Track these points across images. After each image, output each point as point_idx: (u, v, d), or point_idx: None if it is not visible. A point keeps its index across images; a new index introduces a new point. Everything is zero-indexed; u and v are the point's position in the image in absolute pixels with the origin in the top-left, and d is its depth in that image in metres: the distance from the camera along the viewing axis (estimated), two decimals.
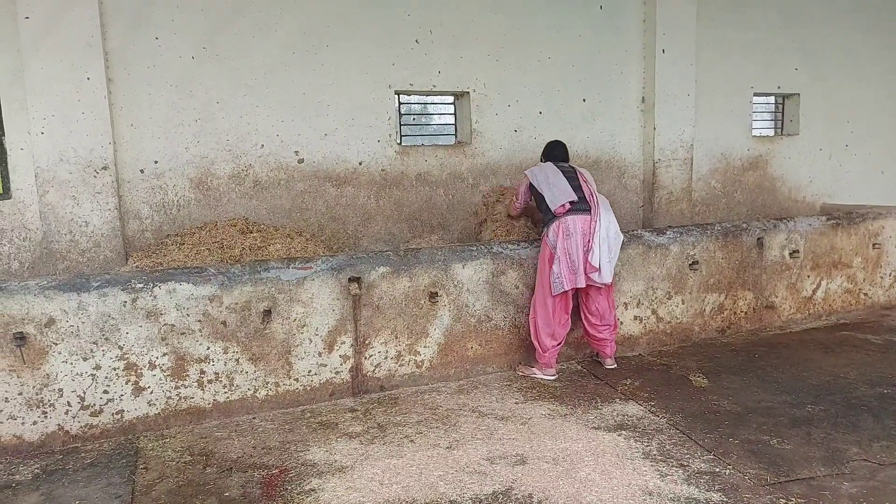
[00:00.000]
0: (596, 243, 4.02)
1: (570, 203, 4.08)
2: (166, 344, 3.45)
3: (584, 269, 4.03)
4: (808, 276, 5.35)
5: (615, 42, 5.85)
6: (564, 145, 4.61)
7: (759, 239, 5.08)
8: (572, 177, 4.25)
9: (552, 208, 4.10)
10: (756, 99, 6.65)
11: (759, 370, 4.23)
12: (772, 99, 6.90)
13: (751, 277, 5.09)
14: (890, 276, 5.77)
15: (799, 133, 6.81)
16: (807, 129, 6.84)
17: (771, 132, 6.98)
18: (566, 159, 4.53)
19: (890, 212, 5.75)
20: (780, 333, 5.09)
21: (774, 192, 6.78)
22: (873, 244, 5.62)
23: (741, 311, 5.09)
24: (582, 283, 4.04)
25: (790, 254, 5.23)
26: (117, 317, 3.35)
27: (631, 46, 5.92)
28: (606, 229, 4.08)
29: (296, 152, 4.87)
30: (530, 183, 4.34)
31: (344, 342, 3.84)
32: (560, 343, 4.18)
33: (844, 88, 6.93)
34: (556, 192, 4.14)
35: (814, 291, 5.41)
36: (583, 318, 4.29)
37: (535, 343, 4.17)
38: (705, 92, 6.23)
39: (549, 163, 4.44)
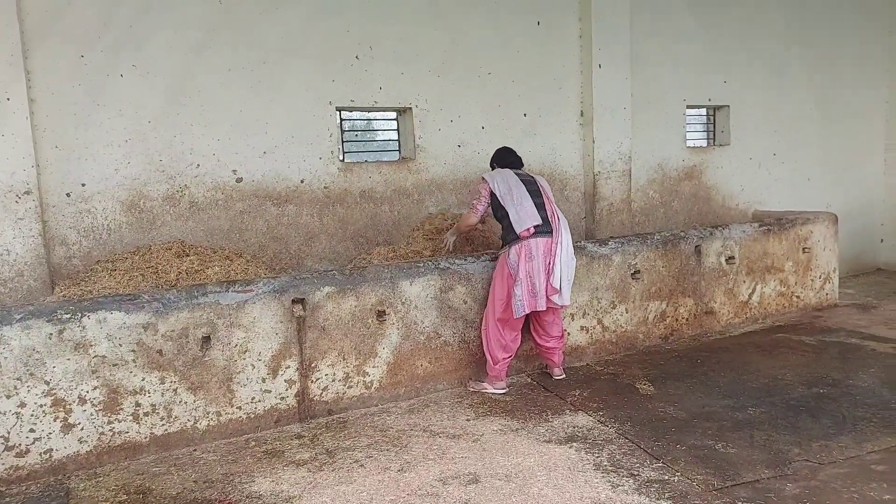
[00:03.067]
0: (557, 265, 3.99)
1: (535, 227, 3.99)
2: (97, 377, 3.27)
3: (546, 291, 3.99)
4: (744, 282, 5.54)
5: (554, 57, 5.96)
6: (515, 152, 4.54)
7: (696, 247, 5.23)
8: (535, 191, 4.14)
9: (517, 230, 3.99)
10: (689, 111, 6.88)
11: (702, 375, 4.33)
12: (703, 111, 7.16)
13: (690, 284, 5.23)
14: (820, 278, 6.03)
15: (730, 143, 7.08)
16: (737, 140, 7.11)
17: (704, 143, 7.23)
18: (521, 166, 4.45)
19: (818, 217, 6.03)
20: (720, 338, 5.24)
21: (709, 200, 7.01)
22: (803, 248, 5.87)
23: (682, 318, 5.22)
24: (543, 307, 4.01)
25: (726, 260, 5.40)
26: (43, 350, 3.15)
27: (569, 61, 6.04)
28: (567, 251, 4.06)
29: (234, 171, 4.74)
30: (491, 190, 4.17)
31: (289, 366, 3.73)
32: (511, 356, 4.17)
33: (771, 100, 7.26)
34: (522, 213, 4.01)
35: (750, 296, 5.59)
36: (532, 330, 4.29)
37: (487, 355, 4.14)
38: (641, 105, 6.40)
39: (507, 170, 4.30)
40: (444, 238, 4.69)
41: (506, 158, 4.49)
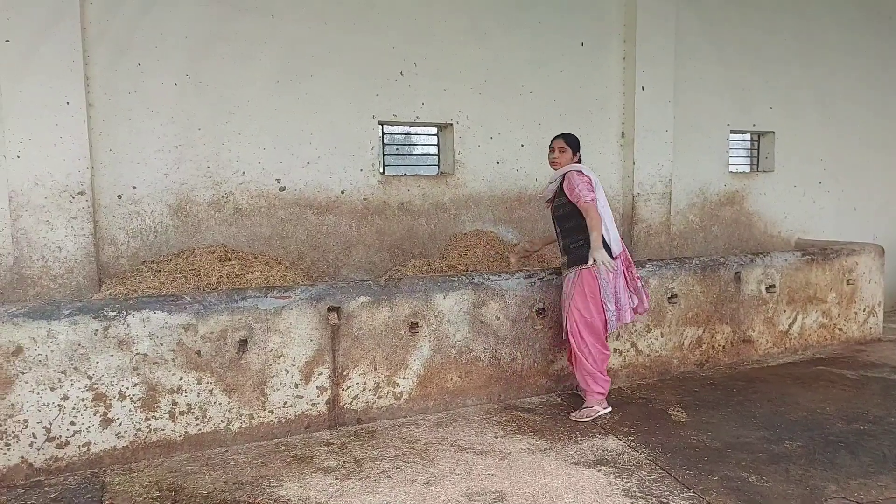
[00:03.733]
0: (640, 279, 4.09)
1: (621, 251, 4.05)
2: (138, 374, 3.37)
3: (629, 303, 4.03)
4: (785, 311, 5.41)
5: (596, 78, 5.97)
6: None
7: (736, 273, 5.14)
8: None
9: (613, 250, 3.95)
10: (732, 136, 6.79)
11: (738, 405, 4.24)
12: (747, 136, 7.06)
13: (728, 311, 5.13)
14: (864, 311, 5.85)
15: (774, 170, 6.96)
16: (781, 166, 6.99)
17: (747, 168, 7.12)
18: None
19: (864, 248, 5.86)
20: (757, 367, 5.12)
21: (751, 226, 6.89)
22: (847, 280, 5.71)
23: (719, 345, 5.12)
24: (629, 319, 4.07)
25: (767, 288, 5.29)
26: (88, 346, 3.27)
27: (611, 83, 6.04)
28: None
29: (277, 180, 4.85)
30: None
31: (321, 373, 3.78)
32: None
33: (816, 127, 7.12)
34: (615, 234, 4.00)
35: (790, 326, 5.46)
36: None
37: (597, 373, 4.00)
38: (683, 128, 6.35)
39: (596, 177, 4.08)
40: (599, 260, 3.87)
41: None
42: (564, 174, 4.02)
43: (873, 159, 7.50)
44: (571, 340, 4.04)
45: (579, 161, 4.14)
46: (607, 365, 4.32)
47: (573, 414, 4.03)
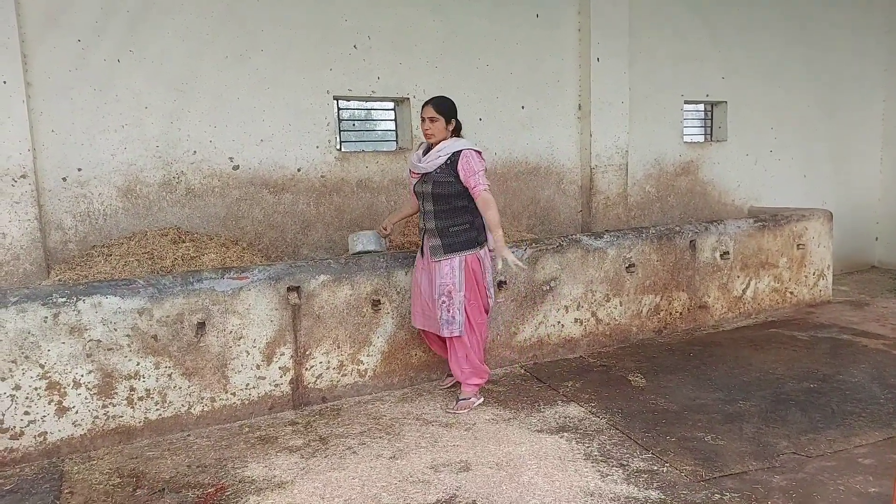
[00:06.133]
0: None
1: None
2: (92, 361, 3.28)
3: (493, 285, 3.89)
4: (738, 277, 5.56)
5: (552, 51, 5.96)
6: None
7: (691, 241, 5.25)
8: None
9: (488, 238, 3.75)
10: (686, 106, 6.88)
11: (694, 368, 4.36)
12: (701, 106, 7.16)
13: (685, 279, 5.25)
14: (814, 275, 6.06)
15: (727, 139, 7.09)
16: (734, 136, 7.12)
17: (701, 138, 7.24)
18: None
19: (813, 214, 6.05)
20: (713, 332, 5.27)
21: (705, 195, 7.03)
22: (798, 245, 5.89)
23: (676, 312, 5.24)
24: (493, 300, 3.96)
25: (721, 255, 5.42)
26: (38, 333, 3.17)
27: (567, 55, 6.04)
28: None
29: (230, 158, 4.73)
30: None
31: (283, 354, 3.75)
32: None
33: (768, 96, 7.26)
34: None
35: (744, 291, 5.62)
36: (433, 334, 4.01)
37: (481, 365, 3.80)
38: (639, 99, 6.40)
39: None
40: (511, 261, 3.57)
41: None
42: (459, 151, 3.59)
43: (823, 127, 7.70)
44: (465, 334, 3.69)
45: (457, 131, 3.71)
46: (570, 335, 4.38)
47: (450, 407, 3.76)
